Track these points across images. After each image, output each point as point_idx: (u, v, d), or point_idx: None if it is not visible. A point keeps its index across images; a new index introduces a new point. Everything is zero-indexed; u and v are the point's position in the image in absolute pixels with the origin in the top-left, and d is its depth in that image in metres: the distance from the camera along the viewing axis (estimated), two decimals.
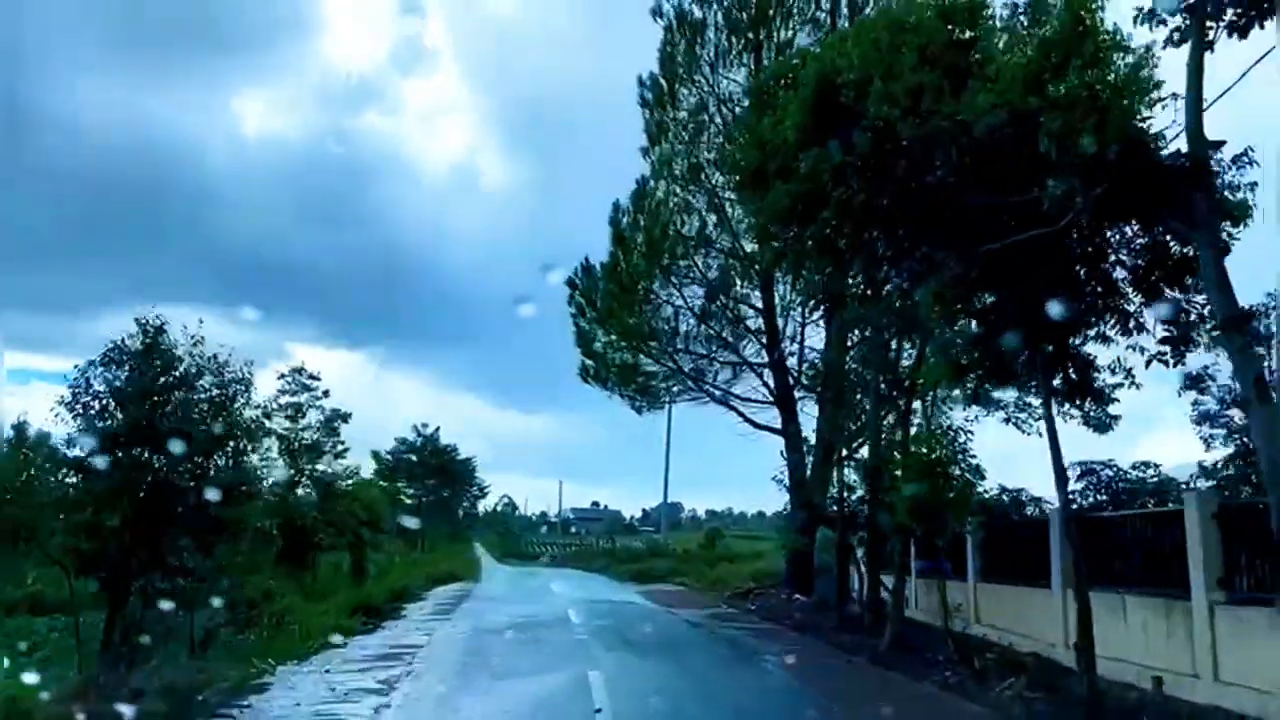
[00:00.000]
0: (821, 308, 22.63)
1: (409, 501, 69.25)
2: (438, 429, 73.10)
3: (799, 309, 26.69)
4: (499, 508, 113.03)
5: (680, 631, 18.93)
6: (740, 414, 27.85)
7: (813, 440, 26.05)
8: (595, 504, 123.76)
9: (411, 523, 64.19)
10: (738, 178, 20.41)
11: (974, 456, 14.92)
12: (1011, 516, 17.61)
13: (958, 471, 14.75)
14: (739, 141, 21.47)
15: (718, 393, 28.11)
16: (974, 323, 13.78)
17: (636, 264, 26.50)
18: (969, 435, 15.36)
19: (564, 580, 37.06)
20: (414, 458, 71.08)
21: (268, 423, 15.01)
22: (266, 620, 19.35)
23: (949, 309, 12.78)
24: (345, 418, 26.54)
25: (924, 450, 15.22)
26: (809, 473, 26.36)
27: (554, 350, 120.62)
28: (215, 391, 14.80)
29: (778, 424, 27.62)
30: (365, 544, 32.57)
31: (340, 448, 27.71)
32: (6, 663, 13.42)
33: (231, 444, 14.62)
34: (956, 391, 18.22)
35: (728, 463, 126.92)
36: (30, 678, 10.51)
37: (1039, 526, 15.75)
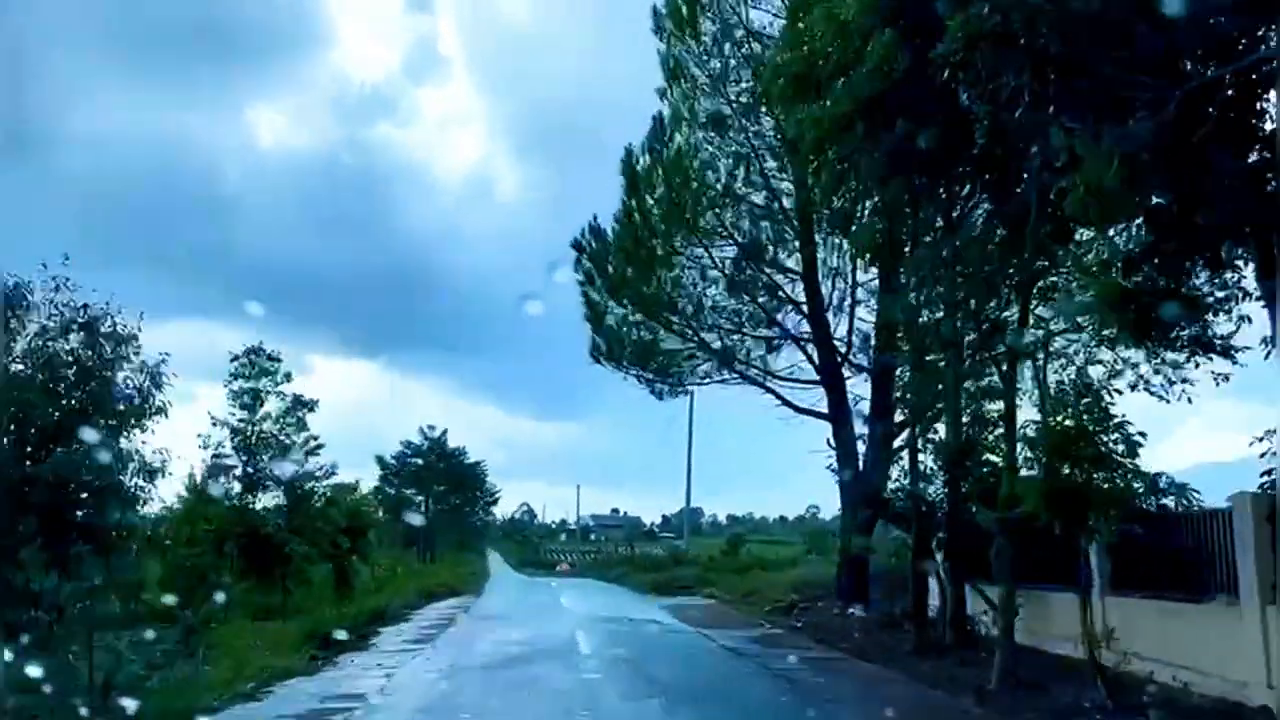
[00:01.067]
0: (879, 259, 18.46)
1: (416, 508, 65.50)
2: (445, 431, 69.06)
3: (848, 267, 22.55)
4: (518, 515, 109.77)
5: (719, 665, 14.80)
6: (778, 396, 23.75)
7: (866, 423, 21.99)
8: (614, 510, 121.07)
9: (415, 519, 60.59)
10: (778, 89, 16.45)
11: (1130, 423, 10.76)
12: (1152, 509, 13.36)
13: (1107, 446, 10.61)
14: (780, 47, 17.47)
15: (752, 372, 23.97)
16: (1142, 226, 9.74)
17: (653, 215, 22.39)
18: (1114, 395, 11.16)
19: (577, 592, 32.92)
20: (420, 462, 67.00)
21: (158, 395, 11.00)
22: (203, 653, 15.61)
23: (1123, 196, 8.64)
24: (310, 406, 22.60)
25: (1059, 419, 11.05)
26: (863, 463, 22.28)
27: (570, 355, 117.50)
28: (86, 353, 10.82)
29: (822, 407, 23.50)
30: (351, 554, 28.61)
31: (314, 444, 23.69)
32: None
33: (106, 423, 10.60)
34: (1079, 344, 14.10)
35: (748, 466, 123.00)
36: None
37: (1210, 521, 11.58)
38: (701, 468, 73.96)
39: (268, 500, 23.28)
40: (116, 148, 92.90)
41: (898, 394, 20.43)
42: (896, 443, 20.14)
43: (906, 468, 18.22)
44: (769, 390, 23.89)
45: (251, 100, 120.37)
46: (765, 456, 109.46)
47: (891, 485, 17.97)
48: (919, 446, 16.86)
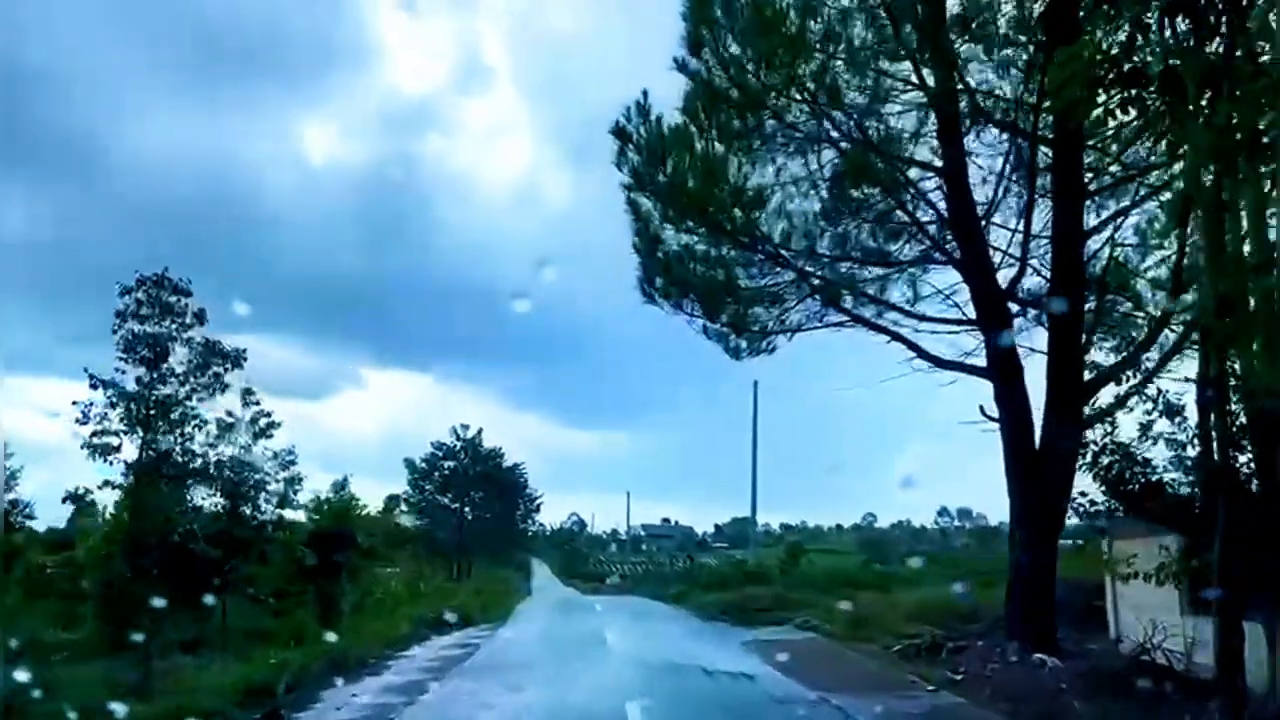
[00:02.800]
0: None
1: (450, 515, 59.28)
2: (480, 431, 62.44)
3: (1025, 146, 15.31)
4: (567, 525, 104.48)
5: None
6: (913, 346, 16.53)
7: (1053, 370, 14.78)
8: (666, 520, 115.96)
9: (443, 527, 54.70)
10: None
11: None
12: None
13: None
14: None
15: (881, 315, 16.83)
16: None
17: (730, 61, 15.19)
18: None
19: (628, 620, 25.74)
20: (453, 464, 60.51)
21: None
22: None
23: None
24: (233, 358, 15.55)
25: None
26: (1043, 436, 15.16)
27: (615, 363, 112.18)
28: None
29: (976, 360, 16.30)
30: (329, 572, 22.05)
31: (265, 421, 16.98)
32: None
33: None
34: None
35: (803, 468, 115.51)
36: None
37: None
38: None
39: (198, 499, 16.75)
40: (165, 164, 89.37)
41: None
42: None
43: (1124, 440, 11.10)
44: (897, 338, 16.69)
45: (296, 115, 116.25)
46: (821, 456, 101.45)
47: (1159, 457, 10.73)
48: (1228, 384, 9.55)
